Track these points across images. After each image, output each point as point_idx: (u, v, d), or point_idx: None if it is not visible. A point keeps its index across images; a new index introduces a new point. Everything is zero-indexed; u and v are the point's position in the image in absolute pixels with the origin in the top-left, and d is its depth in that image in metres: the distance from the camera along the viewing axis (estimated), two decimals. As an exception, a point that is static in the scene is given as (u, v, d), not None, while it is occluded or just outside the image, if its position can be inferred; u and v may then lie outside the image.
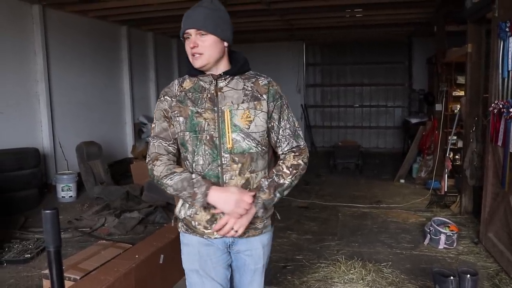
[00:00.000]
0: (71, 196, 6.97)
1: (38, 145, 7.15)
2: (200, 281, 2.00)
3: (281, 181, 1.92)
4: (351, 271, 4.02)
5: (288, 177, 1.93)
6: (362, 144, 10.95)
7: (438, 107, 7.87)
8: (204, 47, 1.86)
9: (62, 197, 6.92)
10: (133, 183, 7.42)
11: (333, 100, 13.63)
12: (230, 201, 1.82)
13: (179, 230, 2.06)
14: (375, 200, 6.83)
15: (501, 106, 4.10)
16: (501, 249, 4.22)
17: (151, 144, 1.97)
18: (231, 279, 2.14)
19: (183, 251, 2.06)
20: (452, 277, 3.04)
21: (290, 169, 1.94)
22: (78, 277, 3.11)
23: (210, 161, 1.90)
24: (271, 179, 1.92)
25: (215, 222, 1.92)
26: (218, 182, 1.90)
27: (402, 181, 8.23)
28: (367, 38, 12.26)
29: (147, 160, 1.97)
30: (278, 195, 1.93)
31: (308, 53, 13.49)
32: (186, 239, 2.03)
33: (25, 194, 6.31)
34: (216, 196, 1.83)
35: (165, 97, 1.97)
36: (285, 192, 1.96)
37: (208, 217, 1.94)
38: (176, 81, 2.02)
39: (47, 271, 3.26)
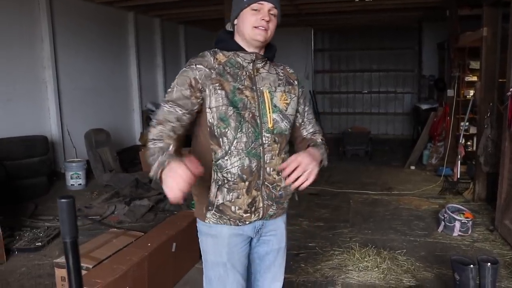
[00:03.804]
0: (80, 184, 6.93)
1: (46, 132, 7.11)
2: (225, 274, 1.95)
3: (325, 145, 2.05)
4: (366, 259, 3.96)
5: (325, 147, 2.04)
6: (371, 131, 10.83)
7: (450, 93, 7.75)
8: (271, 27, 1.87)
9: (71, 184, 6.88)
10: (142, 171, 7.38)
11: (342, 86, 13.54)
12: (176, 174, 1.53)
13: (206, 221, 1.94)
14: (386, 187, 6.76)
15: (519, 90, 4.00)
16: (518, 237, 4.15)
17: (161, 107, 1.82)
18: (248, 268, 2.11)
19: (209, 243, 1.98)
20: (472, 265, 2.97)
21: (324, 141, 2.07)
22: (90, 266, 3.07)
23: (253, 140, 1.85)
24: (320, 140, 2.04)
25: (255, 205, 1.90)
26: (260, 161, 1.86)
27: (412, 167, 8.14)
28: (376, 23, 12.06)
29: (153, 120, 1.79)
30: (327, 152, 2.01)
31: (316, 39, 13.35)
32: (215, 230, 1.94)
33: (34, 182, 6.27)
34: (168, 172, 1.56)
35: (199, 65, 1.84)
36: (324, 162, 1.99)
37: (250, 200, 1.89)
38: (207, 53, 1.90)
39: (59, 260, 3.25)
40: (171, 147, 1.67)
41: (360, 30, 12.70)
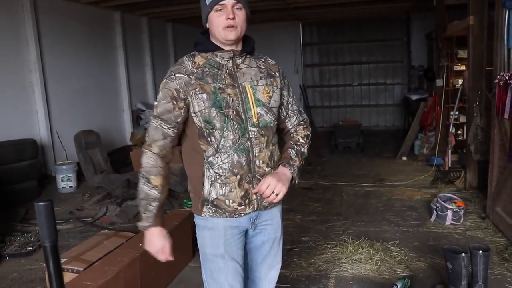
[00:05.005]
0: (71, 186, 6.88)
1: (35, 135, 7.05)
2: (225, 265, 2.00)
3: (303, 150, 2.07)
4: (359, 251, 3.96)
5: (305, 146, 2.09)
6: (362, 123, 10.84)
7: (439, 82, 7.76)
8: (240, 21, 1.88)
9: (62, 187, 6.83)
10: (133, 171, 7.33)
11: (332, 80, 13.51)
12: (153, 245, 1.99)
13: (202, 215, 1.99)
14: (379, 179, 6.77)
15: (507, 78, 4.00)
16: (509, 223, 4.17)
17: (151, 123, 1.94)
18: (244, 259, 2.17)
19: (206, 236, 2.02)
20: (463, 254, 2.97)
21: (305, 139, 2.10)
22: (81, 269, 3.04)
23: (240, 136, 1.89)
24: (296, 149, 2.05)
25: (248, 197, 1.94)
26: (249, 155, 1.91)
27: (404, 158, 8.16)
28: (364, 15, 12.06)
29: (145, 139, 1.96)
30: (303, 162, 2.05)
31: (305, 32, 13.31)
32: (211, 223, 1.98)
33: (25, 186, 6.21)
34: (148, 236, 1.98)
35: (177, 74, 1.89)
36: (303, 161, 2.08)
37: (243, 193, 1.93)
38: (185, 58, 1.94)
39: (49, 264, 3.21)
40: (155, 203, 1.93)
41: (348, 22, 12.67)
